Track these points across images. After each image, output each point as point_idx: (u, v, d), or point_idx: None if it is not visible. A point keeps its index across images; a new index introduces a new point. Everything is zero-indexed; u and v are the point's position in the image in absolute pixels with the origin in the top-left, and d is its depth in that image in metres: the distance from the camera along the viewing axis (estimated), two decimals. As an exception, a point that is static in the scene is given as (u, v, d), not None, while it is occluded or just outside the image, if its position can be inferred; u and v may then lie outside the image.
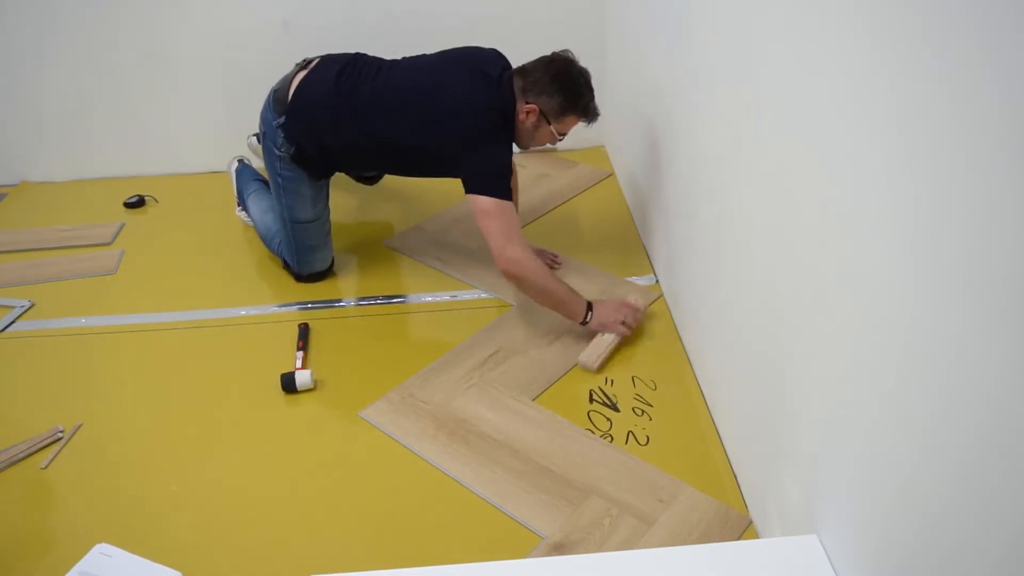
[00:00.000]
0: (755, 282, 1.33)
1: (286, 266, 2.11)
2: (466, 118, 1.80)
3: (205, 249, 2.27)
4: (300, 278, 2.09)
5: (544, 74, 1.82)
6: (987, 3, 0.69)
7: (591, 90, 1.86)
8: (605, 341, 1.77)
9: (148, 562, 1.33)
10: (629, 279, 2.06)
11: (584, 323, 1.78)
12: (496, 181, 1.77)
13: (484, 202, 1.75)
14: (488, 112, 1.81)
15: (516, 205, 2.02)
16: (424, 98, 1.83)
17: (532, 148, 1.95)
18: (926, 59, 0.79)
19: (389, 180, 2.52)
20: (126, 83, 2.57)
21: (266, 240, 2.16)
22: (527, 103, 1.81)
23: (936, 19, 0.76)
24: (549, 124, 1.84)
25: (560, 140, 1.91)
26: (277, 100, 1.93)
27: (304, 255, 2.06)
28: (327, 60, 1.95)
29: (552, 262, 2.09)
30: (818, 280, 1.07)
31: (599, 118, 1.91)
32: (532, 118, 1.82)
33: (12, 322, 1.98)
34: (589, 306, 1.78)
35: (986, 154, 0.70)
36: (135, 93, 2.58)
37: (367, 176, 2.38)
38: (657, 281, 2.05)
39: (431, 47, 1.98)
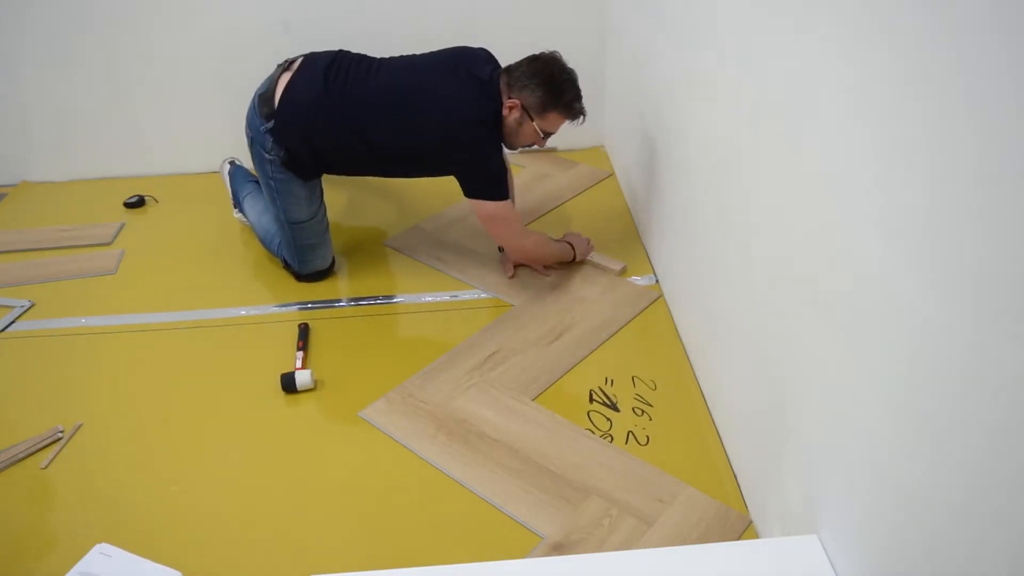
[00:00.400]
0: (755, 282, 1.33)
1: (287, 266, 2.11)
2: (456, 123, 1.81)
3: (205, 249, 2.27)
4: (301, 277, 2.09)
5: (527, 69, 1.83)
6: (993, 4, 0.69)
7: (575, 88, 1.86)
8: (595, 259, 2.12)
9: (148, 562, 1.33)
10: (629, 279, 2.06)
11: (574, 260, 2.09)
12: (495, 185, 1.85)
13: (489, 208, 1.87)
14: (477, 116, 1.81)
15: (513, 203, 2.05)
16: (414, 101, 1.83)
17: (520, 148, 1.95)
18: (933, 60, 0.79)
19: (389, 180, 2.52)
20: (126, 83, 2.56)
21: (264, 241, 2.16)
22: (510, 98, 1.83)
23: (941, 21, 0.76)
24: (532, 120, 1.84)
25: (545, 139, 1.90)
26: (263, 104, 1.90)
27: (304, 254, 2.05)
28: (311, 59, 1.93)
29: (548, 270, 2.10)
30: (818, 280, 1.07)
31: (585, 119, 1.89)
32: (515, 113, 1.83)
33: (12, 322, 1.98)
34: (572, 247, 2.08)
35: (995, 156, 0.70)
36: (135, 93, 2.58)
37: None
38: (657, 281, 2.05)
39: (430, 48, 1.98)
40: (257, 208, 2.19)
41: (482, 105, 1.82)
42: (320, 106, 1.86)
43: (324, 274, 2.10)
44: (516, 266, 2.08)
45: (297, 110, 1.88)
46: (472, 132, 1.82)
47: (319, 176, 2.02)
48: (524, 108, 1.82)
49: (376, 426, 1.62)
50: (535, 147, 1.96)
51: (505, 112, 1.83)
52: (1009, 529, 0.69)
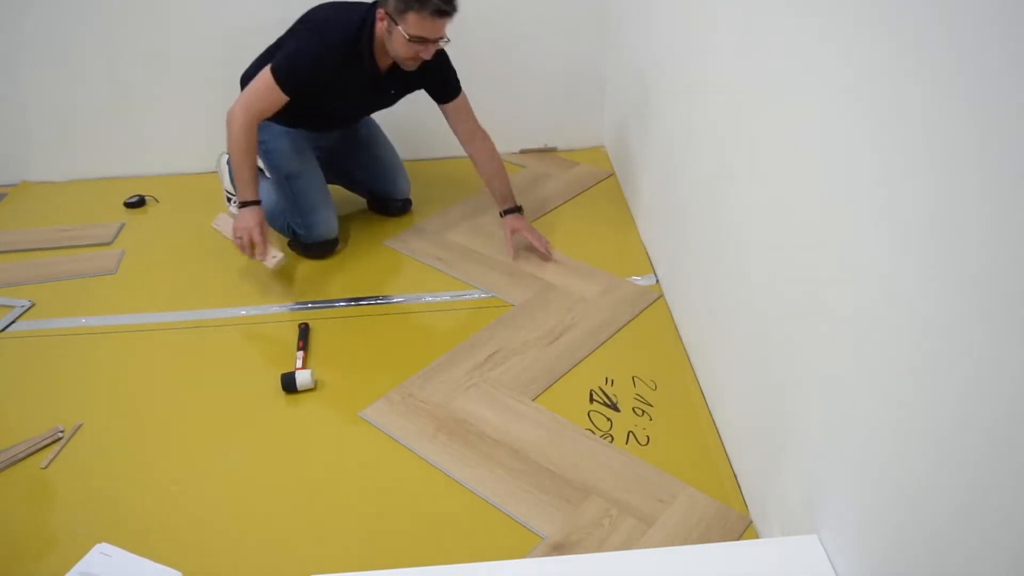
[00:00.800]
0: (755, 281, 1.33)
1: (294, 237, 2.16)
2: (319, 23, 1.97)
3: (205, 249, 2.27)
4: (309, 249, 2.14)
5: None
6: (992, 3, 0.69)
7: None
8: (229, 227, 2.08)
9: (148, 562, 1.33)
10: (629, 279, 2.06)
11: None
12: (285, 63, 1.94)
13: (266, 69, 1.95)
14: (336, 19, 1.95)
15: (507, 188, 2.15)
16: (307, 21, 2.01)
17: (406, 61, 1.93)
18: (933, 59, 0.79)
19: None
20: (126, 83, 2.56)
21: (272, 218, 2.18)
22: (380, 11, 1.90)
23: (940, 19, 0.76)
24: (397, 25, 1.86)
25: (418, 44, 1.87)
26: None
27: (307, 216, 2.11)
28: None
29: (545, 251, 2.12)
30: (818, 280, 1.07)
31: (449, 15, 1.85)
32: (384, 24, 1.90)
33: (12, 322, 1.98)
34: (247, 204, 1.97)
35: (995, 155, 0.70)
36: (135, 93, 2.58)
37: (393, 202, 2.40)
38: (657, 281, 2.05)
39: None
40: (264, 186, 2.22)
41: (346, 21, 1.94)
42: (269, 53, 2.09)
43: (330, 248, 2.16)
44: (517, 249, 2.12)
45: (255, 65, 2.11)
46: (317, 28, 1.96)
47: (294, 126, 2.12)
48: (389, 16, 1.88)
49: (376, 426, 1.62)
50: (423, 58, 1.91)
51: (378, 26, 1.92)
52: (1009, 529, 0.69)
